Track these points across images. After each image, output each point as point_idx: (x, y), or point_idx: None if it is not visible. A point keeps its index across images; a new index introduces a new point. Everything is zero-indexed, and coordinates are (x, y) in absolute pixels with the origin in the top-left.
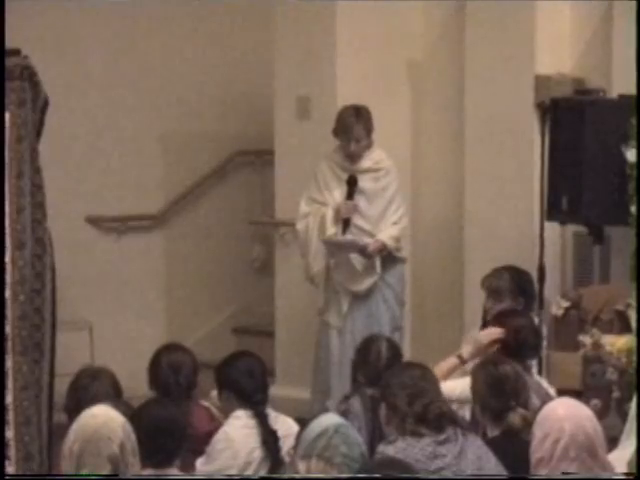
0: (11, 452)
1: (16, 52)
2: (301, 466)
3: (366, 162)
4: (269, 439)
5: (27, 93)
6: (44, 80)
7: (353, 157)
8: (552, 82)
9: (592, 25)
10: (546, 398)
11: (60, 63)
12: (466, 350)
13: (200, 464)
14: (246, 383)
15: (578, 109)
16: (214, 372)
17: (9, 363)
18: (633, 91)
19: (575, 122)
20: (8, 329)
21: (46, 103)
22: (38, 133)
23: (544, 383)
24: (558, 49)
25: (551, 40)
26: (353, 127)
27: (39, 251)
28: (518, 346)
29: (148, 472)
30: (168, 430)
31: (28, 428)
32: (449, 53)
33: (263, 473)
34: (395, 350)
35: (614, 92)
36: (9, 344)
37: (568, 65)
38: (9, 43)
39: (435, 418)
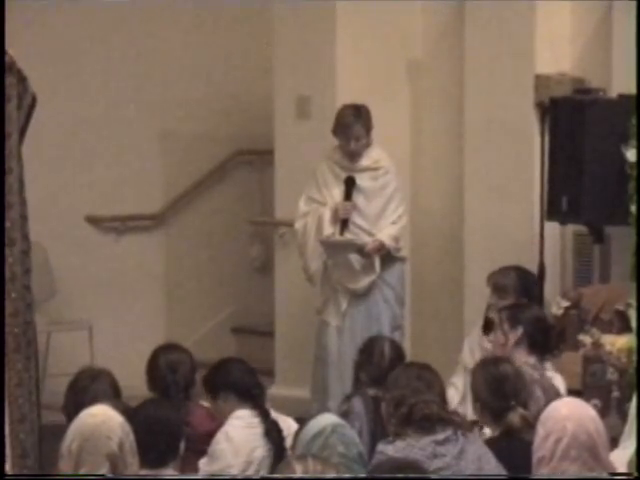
0: (7, 450)
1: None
2: (298, 467)
3: (365, 161)
4: (272, 429)
5: (13, 89)
6: (43, 79)
7: (352, 156)
8: (552, 82)
9: (592, 25)
10: (554, 397)
11: (59, 63)
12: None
13: (203, 464)
14: (243, 379)
15: (578, 109)
16: (203, 382)
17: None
18: (633, 91)
19: (575, 122)
20: None
21: (34, 100)
22: (23, 130)
23: (558, 380)
24: (558, 49)
25: (551, 40)
26: (352, 126)
27: (26, 247)
28: (542, 336)
29: (143, 472)
30: (162, 430)
31: (23, 425)
32: (449, 53)
33: (264, 472)
34: (398, 350)
35: (614, 92)
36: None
37: (568, 65)
38: (9, 43)
39: (420, 419)
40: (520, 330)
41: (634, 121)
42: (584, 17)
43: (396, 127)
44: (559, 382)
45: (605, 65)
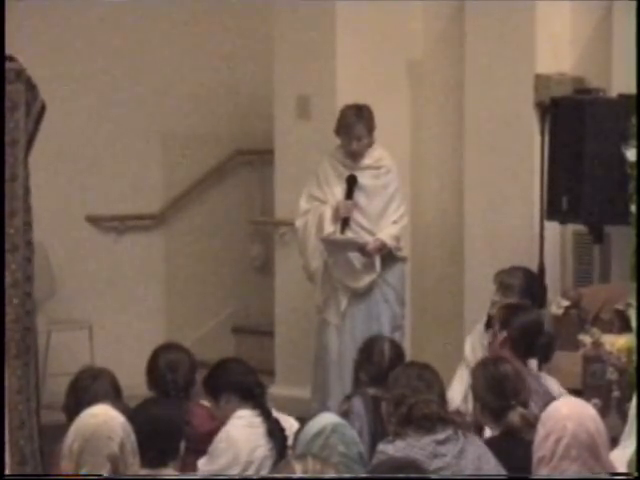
0: (6, 456)
1: (9, 59)
2: (297, 466)
3: (367, 160)
4: (275, 429)
5: (21, 97)
6: (44, 80)
7: (354, 155)
8: (552, 81)
9: (592, 25)
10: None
11: (59, 63)
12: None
13: (202, 464)
14: (245, 379)
15: (578, 108)
16: (204, 384)
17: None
18: (633, 90)
19: (575, 121)
20: None
21: (43, 108)
22: (31, 138)
23: (552, 383)
24: (558, 49)
25: (551, 40)
26: (354, 126)
27: (29, 254)
28: (528, 341)
29: (144, 472)
30: (163, 430)
31: (22, 431)
32: (449, 53)
33: (265, 472)
34: (398, 350)
35: (614, 91)
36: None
37: (568, 64)
38: (9, 43)
39: (420, 419)
40: (504, 333)
41: (634, 121)
42: (584, 17)
43: (396, 127)
44: (553, 384)
45: (605, 65)
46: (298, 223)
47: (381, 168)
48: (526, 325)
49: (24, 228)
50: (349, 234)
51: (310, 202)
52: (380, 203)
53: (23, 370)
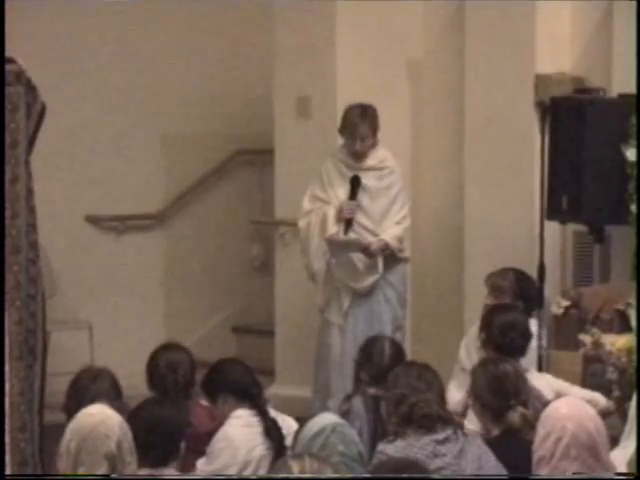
0: (6, 457)
1: (9, 61)
2: (295, 466)
3: (371, 160)
4: (272, 428)
5: (22, 98)
6: (44, 80)
7: (358, 156)
8: (552, 81)
9: (592, 25)
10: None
11: (60, 63)
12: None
13: (201, 464)
14: (241, 380)
15: (578, 108)
16: (201, 386)
17: (6, 368)
18: (633, 90)
19: (575, 121)
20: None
21: (43, 109)
22: (32, 139)
23: (544, 385)
24: (558, 49)
25: (551, 40)
26: (358, 126)
27: (33, 256)
28: (503, 344)
29: (144, 472)
30: (164, 430)
31: (24, 433)
32: (449, 53)
33: (263, 471)
34: (398, 350)
35: (614, 91)
36: (6, 350)
37: (568, 64)
38: (9, 45)
39: (420, 418)
40: (484, 333)
41: (634, 121)
42: (584, 17)
43: (396, 127)
44: (544, 384)
45: (605, 65)
46: (301, 223)
47: (384, 169)
48: (502, 325)
49: (27, 229)
50: (352, 235)
51: (313, 203)
52: (383, 204)
53: (26, 372)
